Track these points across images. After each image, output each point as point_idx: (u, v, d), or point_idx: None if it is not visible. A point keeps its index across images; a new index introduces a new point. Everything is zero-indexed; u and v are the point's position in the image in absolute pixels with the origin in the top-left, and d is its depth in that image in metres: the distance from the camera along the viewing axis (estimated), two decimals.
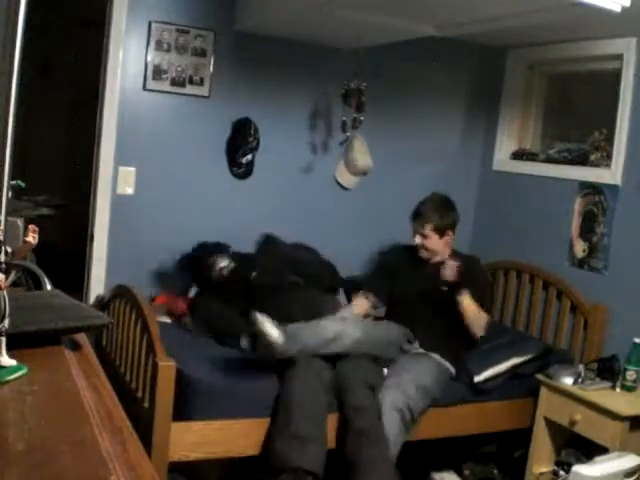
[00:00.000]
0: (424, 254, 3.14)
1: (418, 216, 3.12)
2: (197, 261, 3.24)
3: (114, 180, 3.29)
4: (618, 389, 2.86)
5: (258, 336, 2.62)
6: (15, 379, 1.04)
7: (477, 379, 2.99)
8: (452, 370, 3.00)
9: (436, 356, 3.00)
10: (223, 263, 3.14)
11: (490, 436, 3.21)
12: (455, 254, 3.15)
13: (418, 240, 3.11)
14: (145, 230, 3.37)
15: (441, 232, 3.09)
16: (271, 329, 2.56)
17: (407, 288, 3.14)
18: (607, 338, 3.26)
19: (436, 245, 3.11)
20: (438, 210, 3.11)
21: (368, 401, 2.66)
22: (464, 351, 3.09)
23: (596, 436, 2.75)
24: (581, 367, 2.98)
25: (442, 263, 2.97)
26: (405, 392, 2.74)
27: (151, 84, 3.29)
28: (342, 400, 2.68)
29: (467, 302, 2.94)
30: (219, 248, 3.27)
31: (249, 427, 2.64)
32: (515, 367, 3.10)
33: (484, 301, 3.07)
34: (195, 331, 3.08)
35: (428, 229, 3.08)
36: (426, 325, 3.07)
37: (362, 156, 3.68)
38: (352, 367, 2.75)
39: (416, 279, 3.14)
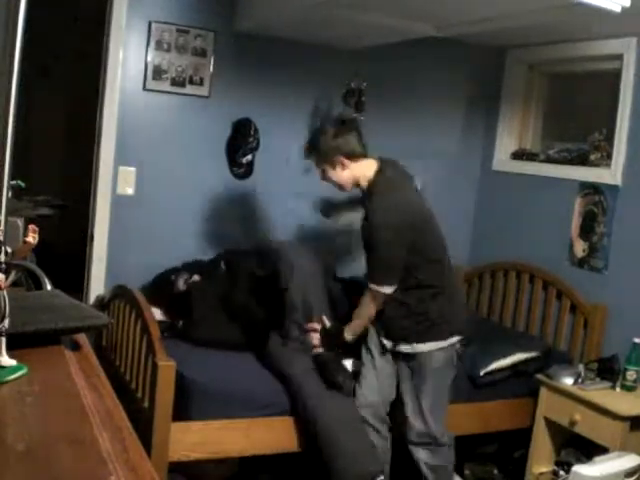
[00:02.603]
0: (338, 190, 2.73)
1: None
2: (160, 282, 3.23)
3: (114, 180, 3.28)
4: (618, 389, 2.87)
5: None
6: (15, 379, 1.04)
7: (481, 372, 2.99)
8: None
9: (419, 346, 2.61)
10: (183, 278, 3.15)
11: (490, 436, 3.21)
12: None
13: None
14: (145, 230, 3.37)
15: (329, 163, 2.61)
16: None
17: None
18: (607, 338, 3.26)
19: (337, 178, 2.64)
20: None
21: None
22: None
23: (596, 436, 2.75)
24: (581, 367, 2.98)
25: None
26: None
27: (151, 84, 3.29)
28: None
29: None
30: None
31: (249, 427, 2.64)
32: (518, 364, 3.10)
33: None
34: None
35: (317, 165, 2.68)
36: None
37: None
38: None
39: None
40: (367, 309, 2.63)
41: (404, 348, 2.61)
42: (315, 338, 2.80)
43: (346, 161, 2.57)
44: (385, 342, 2.66)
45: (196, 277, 3.18)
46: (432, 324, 2.58)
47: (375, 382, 2.70)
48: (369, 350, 2.72)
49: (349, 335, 2.70)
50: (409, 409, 2.62)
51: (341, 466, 2.55)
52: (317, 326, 2.82)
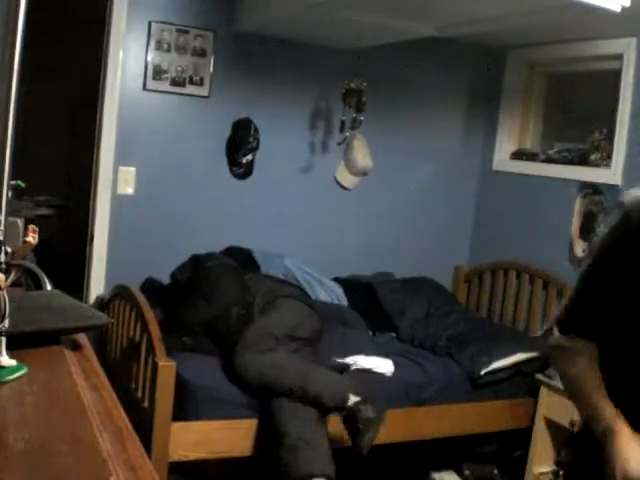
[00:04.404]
0: None
1: None
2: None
3: (114, 180, 3.28)
4: None
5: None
6: (15, 379, 1.04)
7: (482, 372, 2.99)
8: None
9: None
10: None
11: (490, 436, 3.21)
12: None
13: None
14: (145, 230, 3.37)
15: None
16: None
17: None
18: None
19: None
20: None
21: None
22: None
23: None
24: None
25: None
26: None
27: (151, 84, 3.29)
28: None
29: None
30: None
31: (249, 427, 2.64)
32: (518, 364, 3.10)
33: None
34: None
35: None
36: None
37: (362, 156, 3.68)
38: None
39: None
40: None
41: None
42: None
43: None
44: None
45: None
46: None
47: None
48: None
49: None
50: None
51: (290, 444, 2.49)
52: None
